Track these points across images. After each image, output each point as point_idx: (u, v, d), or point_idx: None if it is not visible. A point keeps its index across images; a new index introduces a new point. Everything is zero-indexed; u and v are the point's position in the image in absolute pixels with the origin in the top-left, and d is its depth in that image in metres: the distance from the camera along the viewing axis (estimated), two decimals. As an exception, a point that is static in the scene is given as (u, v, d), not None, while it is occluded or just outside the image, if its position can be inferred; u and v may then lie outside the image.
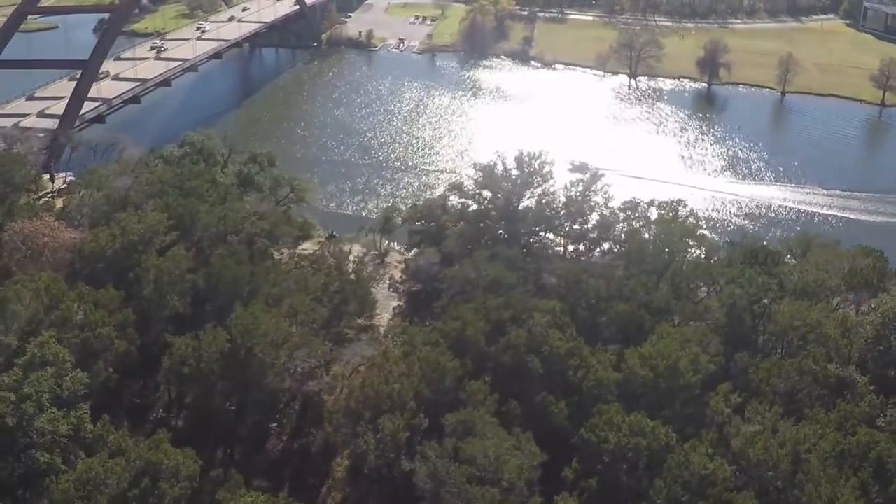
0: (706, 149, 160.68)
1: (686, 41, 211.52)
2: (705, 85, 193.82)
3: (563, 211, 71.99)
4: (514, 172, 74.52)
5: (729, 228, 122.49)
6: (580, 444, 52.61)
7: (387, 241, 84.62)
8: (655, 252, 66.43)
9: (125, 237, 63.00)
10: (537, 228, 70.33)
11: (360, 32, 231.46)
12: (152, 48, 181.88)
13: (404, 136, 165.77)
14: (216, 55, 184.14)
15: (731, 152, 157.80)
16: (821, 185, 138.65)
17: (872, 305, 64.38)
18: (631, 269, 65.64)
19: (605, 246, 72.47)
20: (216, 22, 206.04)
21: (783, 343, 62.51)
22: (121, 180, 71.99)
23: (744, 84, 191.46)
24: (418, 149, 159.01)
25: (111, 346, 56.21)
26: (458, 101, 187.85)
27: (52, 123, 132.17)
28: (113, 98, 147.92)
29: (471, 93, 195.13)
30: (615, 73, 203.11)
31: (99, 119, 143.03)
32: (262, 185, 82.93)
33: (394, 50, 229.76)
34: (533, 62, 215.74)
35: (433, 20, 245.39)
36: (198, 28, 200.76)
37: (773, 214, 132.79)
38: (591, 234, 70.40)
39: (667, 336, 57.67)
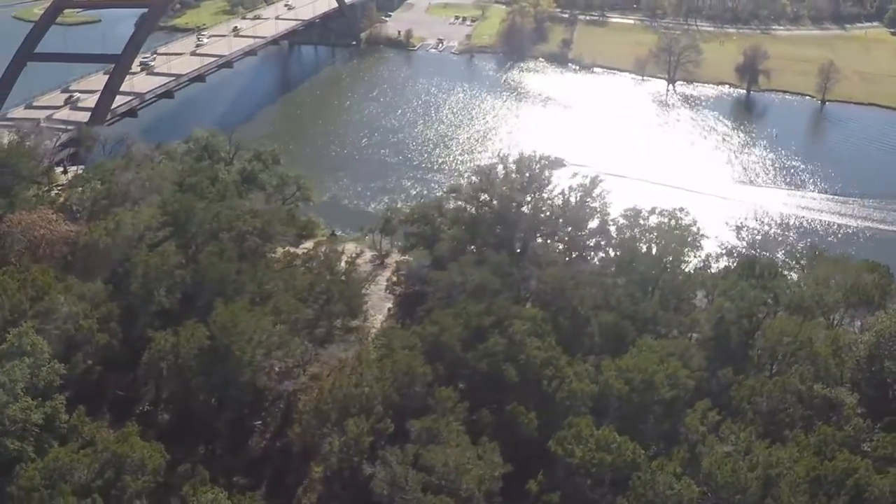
0: (740, 157, 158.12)
1: (726, 47, 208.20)
2: (744, 91, 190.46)
3: (558, 217, 71.06)
4: (514, 176, 73.88)
5: (757, 238, 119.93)
6: (548, 457, 51.90)
7: (390, 242, 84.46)
8: (647, 261, 65.13)
9: (118, 231, 63.87)
10: (531, 234, 69.41)
11: (399, 32, 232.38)
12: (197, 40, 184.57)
13: (438, 136, 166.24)
14: (251, 52, 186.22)
15: (765, 161, 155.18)
16: (859, 196, 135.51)
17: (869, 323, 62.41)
18: (620, 277, 64.46)
19: (601, 254, 71.27)
20: (254, 19, 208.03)
21: (773, 360, 60.82)
22: (124, 175, 73.06)
23: (783, 91, 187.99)
24: (451, 150, 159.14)
25: (92, 339, 57.00)
26: (494, 103, 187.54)
27: (84, 116, 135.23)
28: (146, 93, 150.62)
29: (507, 95, 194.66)
30: (653, 77, 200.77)
31: (131, 113, 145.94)
32: (264, 183, 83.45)
33: (432, 50, 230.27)
34: (571, 65, 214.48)
35: (473, 21, 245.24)
36: (235, 26, 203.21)
37: (807, 224, 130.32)
38: (589, 242, 69.17)
39: (647, 349, 56.53)
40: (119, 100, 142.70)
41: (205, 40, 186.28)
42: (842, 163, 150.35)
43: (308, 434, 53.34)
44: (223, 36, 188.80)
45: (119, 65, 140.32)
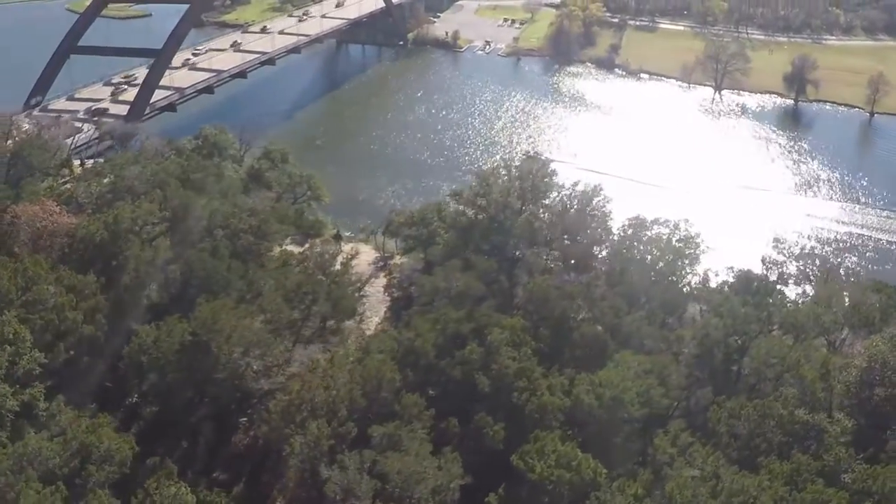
0: (782, 167, 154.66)
1: (775, 55, 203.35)
2: (791, 101, 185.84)
3: (554, 226, 70.22)
4: (515, 183, 73.31)
5: (794, 251, 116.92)
6: (513, 471, 51.24)
7: (395, 244, 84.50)
8: (637, 273, 63.89)
9: (116, 225, 65.13)
10: (524, 242, 68.67)
11: (446, 33, 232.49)
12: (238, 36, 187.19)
13: (479, 138, 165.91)
14: (295, 49, 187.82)
15: (809, 171, 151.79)
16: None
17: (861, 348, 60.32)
18: (609, 289, 63.40)
19: (596, 264, 70.10)
20: (300, 17, 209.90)
21: (759, 381, 59.13)
22: (131, 169, 74.51)
23: (831, 102, 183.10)
24: (491, 153, 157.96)
25: (76, 330, 58.20)
26: (537, 107, 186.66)
27: (124, 109, 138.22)
28: (186, 87, 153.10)
29: (551, 99, 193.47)
30: (700, 85, 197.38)
31: (170, 108, 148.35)
32: (270, 181, 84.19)
33: (479, 52, 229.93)
34: (618, 70, 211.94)
35: (522, 23, 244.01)
36: (303, 16, 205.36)
37: (847, 238, 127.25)
38: (583, 251, 68.12)
39: (623, 364, 55.48)
40: (159, 94, 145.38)
41: (248, 37, 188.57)
42: (889, 177, 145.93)
43: (274, 434, 53.75)
44: (267, 33, 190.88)
45: (159, 60, 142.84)
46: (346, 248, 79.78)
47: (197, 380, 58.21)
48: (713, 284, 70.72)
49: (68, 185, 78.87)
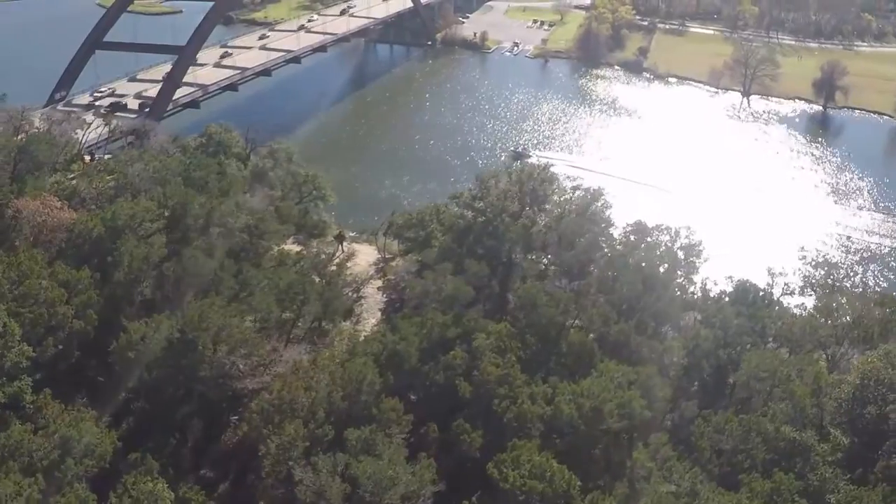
0: (807, 175, 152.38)
1: (805, 61, 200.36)
2: (820, 108, 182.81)
3: (550, 231, 69.64)
4: (514, 187, 72.86)
5: (819, 260, 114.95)
6: (489, 480, 50.81)
7: (398, 245, 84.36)
8: (629, 281, 63.05)
9: (113, 221, 65.83)
10: (517, 247, 68.16)
11: (474, 33, 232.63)
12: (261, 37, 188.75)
13: (505, 140, 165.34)
14: (321, 48, 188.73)
15: (837, 180, 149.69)
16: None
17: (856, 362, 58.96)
18: (601, 296, 62.69)
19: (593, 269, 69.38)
20: (328, 15, 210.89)
21: (748, 396, 58.09)
22: (136, 166, 75.28)
23: (861, 109, 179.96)
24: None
25: (66, 324, 58.88)
26: (564, 109, 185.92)
27: (146, 105, 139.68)
28: (210, 84, 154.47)
29: (578, 101, 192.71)
30: (728, 90, 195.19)
31: (193, 104, 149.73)
32: (273, 180, 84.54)
33: (507, 53, 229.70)
34: (645, 73, 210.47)
35: (551, 25, 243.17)
36: (310, 20, 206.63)
37: (871, 248, 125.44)
38: (578, 258, 67.45)
39: (606, 374, 54.77)
40: (183, 90, 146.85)
41: (274, 35, 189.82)
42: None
43: (254, 433, 53.92)
44: (293, 31, 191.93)
45: (182, 56, 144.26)
46: (351, 248, 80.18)
47: (183, 377, 58.47)
48: (714, 294, 70.01)
49: (74, 181, 79.66)
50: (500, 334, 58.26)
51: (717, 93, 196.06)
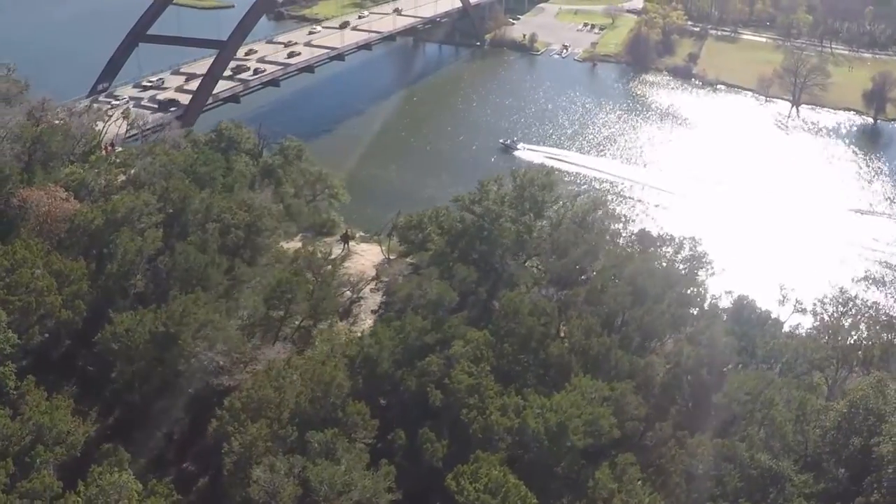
0: (856, 187, 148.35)
1: (857, 72, 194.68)
2: (871, 120, 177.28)
3: (545, 239, 68.61)
4: (513, 192, 72.04)
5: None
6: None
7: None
8: (617, 293, 61.63)
9: (112, 214, 66.97)
10: (509, 253, 67.21)
11: (524, 35, 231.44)
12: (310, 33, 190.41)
13: (548, 143, 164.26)
14: (365, 46, 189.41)
15: (884, 193, 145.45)
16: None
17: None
18: (586, 308, 61.45)
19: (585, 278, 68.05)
20: (376, 13, 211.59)
21: (730, 419, 56.26)
22: (145, 160, 76.48)
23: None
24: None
25: (54, 314, 60.03)
26: (610, 114, 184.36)
27: (187, 99, 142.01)
28: (251, 79, 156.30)
29: (624, 107, 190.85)
30: (777, 98, 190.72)
31: (233, 99, 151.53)
32: (282, 177, 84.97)
33: (555, 55, 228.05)
34: (694, 80, 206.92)
35: (601, 29, 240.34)
36: (361, 16, 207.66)
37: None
38: (570, 266, 66.24)
39: (579, 389, 53.66)
40: (223, 85, 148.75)
41: (320, 31, 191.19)
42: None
43: (221, 430, 54.23)
44: (339, 28, 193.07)
45: (224, 50, 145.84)
46: (349, 248, 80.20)
47: (164, 371, 59.14)
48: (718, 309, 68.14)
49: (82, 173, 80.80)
50: (477, 342, 57.60)
51: (765, 101, 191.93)
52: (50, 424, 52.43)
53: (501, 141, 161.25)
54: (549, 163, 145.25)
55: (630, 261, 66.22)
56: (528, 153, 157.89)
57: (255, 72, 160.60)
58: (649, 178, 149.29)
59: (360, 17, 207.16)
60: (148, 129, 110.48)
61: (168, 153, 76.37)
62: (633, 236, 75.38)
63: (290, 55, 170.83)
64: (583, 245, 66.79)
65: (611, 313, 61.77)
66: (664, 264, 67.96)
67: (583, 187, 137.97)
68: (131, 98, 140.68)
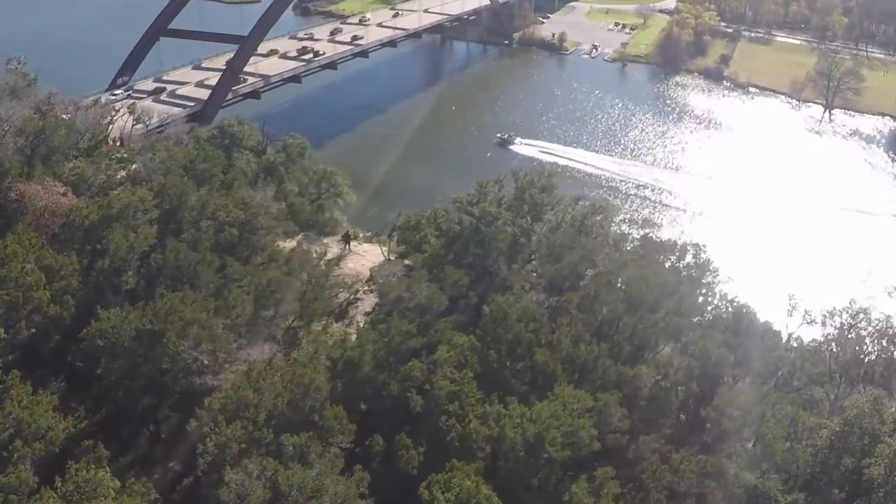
0: (884, 197, 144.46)
1: (892, 76, 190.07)
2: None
3: (538, 242, 67.31)
4: (510, 194, 70.84)
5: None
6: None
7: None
8: (610, 300, 60.14)
9: (107, 209, 66.90)
10: (502, 257, 65.91)
11: (553, 34, 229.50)
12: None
13: (577, 145, 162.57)
14: (390, 43, 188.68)
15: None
16: None
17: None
18: (577, 315, 60.04)
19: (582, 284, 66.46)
20: (403, 9, 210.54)
21: (718, 434, 54.54)
22: (145, 156, 76.47)
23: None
24: (584, 163, 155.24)
25: (41, 309, 60.03)
26: (638, 116, 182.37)
27: (206, 94, 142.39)
28: (272, 75, 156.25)
29: (653, 108, 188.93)
30: (810, 102, 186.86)
31: (254, 95, 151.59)
32: (283, 175, 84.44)
33: (584, 55, 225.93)
34: (725, 82, 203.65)
35: (632, 29, 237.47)
36: (397, 14, 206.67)
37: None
38: (564, 272, 64.85)
39: (561, 398, 52.35)
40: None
41: (345, 28, 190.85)
42: None
43: (198, 431, 53.81)
44: (364, 25, 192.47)
45: (244, 46, 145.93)
46: (347, 248, 79.55)
47: (149, 369, 58.85)
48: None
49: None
50: (462, 347, 56.54)
51: (797, 105, 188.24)
52: (30, 419, 52.32)
53: (499, 135, 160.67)
54: (546, 158, 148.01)
55: (626, 267, 64.57)
56: (524, 147, 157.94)
57: (316, 54, 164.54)
58: (666, 180, 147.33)
59: (395, 15, 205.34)
60: (167, 123, 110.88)
61: (169, 149, 76.18)
62: (636, 242, 73.69)
63: (304, 50, 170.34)
64: (579, 250, 65.24)
65: (603, 321, 60.29)
66: (663, 271, 66.05)
67: (588, 188, 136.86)
68: (153, 91, 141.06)
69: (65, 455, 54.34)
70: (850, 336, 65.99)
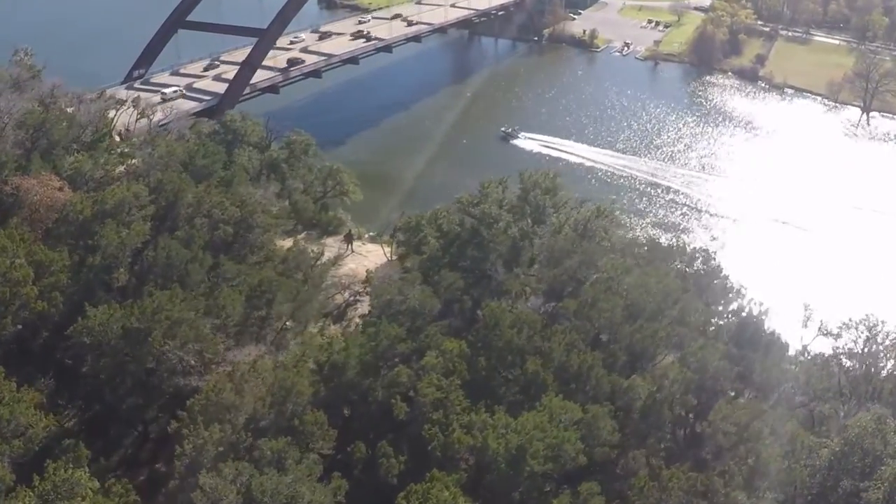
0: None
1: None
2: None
3: (540, 246, 65.33)
4: (511, 196, 68.97)
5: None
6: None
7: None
8: (606, 309, 58.02)
9: (101, 205, 66.25)
10: (499, 260, 64.01)
11: (584, 31, 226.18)
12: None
13: (602, 146, 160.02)
14: (415, 38, 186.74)
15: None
16: None
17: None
18: (573, 322, 58.07)
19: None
20: (430, 4, 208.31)
21: (713, 451, 52.26)
22: (145, 150, 75.82)
23: None
24: (610, 166, 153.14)
25: (28, 305, 59.40)
26: (667, 116, 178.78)
27: (223, 88, 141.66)
28: (291, 69, 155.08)
29: (683, 109, 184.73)
30: (847, 104, 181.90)
31: (272, 89, 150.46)
32: (286, 172, 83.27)
33: (616, 53, 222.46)
34: (760, 82, 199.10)
35: (666, 26, 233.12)
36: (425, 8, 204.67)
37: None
38: (562, 277, 62.82)
39: (548, 409, 50.46)
40: (263, 75, 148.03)
41: (369, 21, 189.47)
42: None
43: (177, 432, 52.82)
44: (389, 19, 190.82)
45: (263, 39, 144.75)
46: (344, 248, 78.28)
47: (135, 369, 58.01)
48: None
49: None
50: (451, 353, 54.88)
51: (834, 107, 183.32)
52: (10, 417, 51.69)
53: (503, 129, 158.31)
54: (550, 152, 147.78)
55: (629, 273, 62.36)
56: (528, 142, 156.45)
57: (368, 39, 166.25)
58: (693, 183, 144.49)
59: (422, 6, 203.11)
60: (180, 118, 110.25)
61: (169, 144, 75.43)
62: (644, 247, 71.47)
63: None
64: (580, 254, 63.19)
65: (600, 329, 58.26)
66: (667, 278, 63.77)
67: (610, 189, 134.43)
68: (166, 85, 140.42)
69: (46, 454, 54.10)
70: (863, 350, 63.28)
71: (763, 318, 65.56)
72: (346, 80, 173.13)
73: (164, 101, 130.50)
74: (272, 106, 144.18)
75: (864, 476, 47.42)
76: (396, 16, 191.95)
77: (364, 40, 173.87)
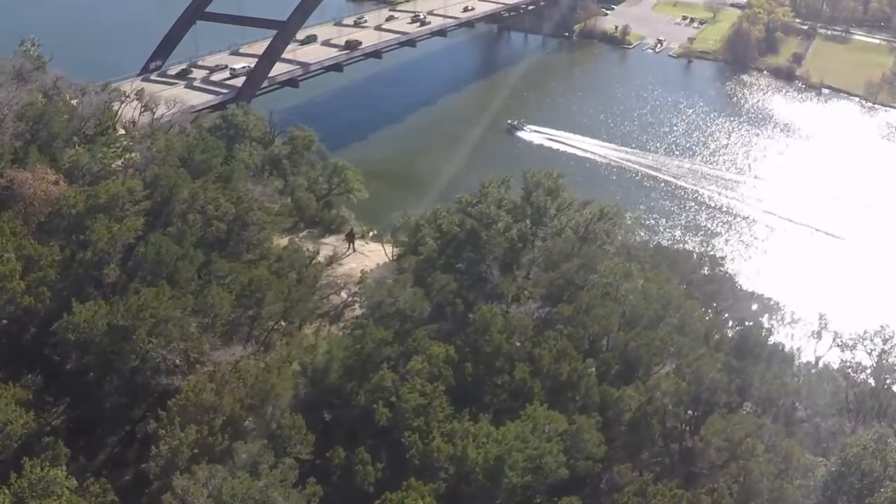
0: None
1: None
2: None
3: (540, 249, 63.32)
4: (512, 197, 67.02)
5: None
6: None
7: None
8: (603, 315, 55.89)
9: (95, 199, 65.54)
10: (496, 263, 62.08)
11: (616, 27, 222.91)
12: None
13: (631, 146, 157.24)
14: (440, 32, 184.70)
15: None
16: None
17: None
18: (565, 328, 56.03)
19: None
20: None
21: (708, 466, 49.99)
22: (143, 144, 75.04)
23: None
24: (636, 167, 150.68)
25: (14, 300, 58.80)
26: (698, 117, 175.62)
27: (241, 81, 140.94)
28: (311, 63, 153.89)
29: (716, 109, 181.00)
30: (885, 106, 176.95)
31: (291, 83, 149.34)
32: (287, 167, 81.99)
33: (648, 50, 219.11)
34: (796, 82, 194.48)
35: (701, 23, 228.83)
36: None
37: None
38: (557, 282, 60.74)
39: (529, 419, 48.61)
40: (282, 68, 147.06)
41: (396, 16, 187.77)
42: None
43: (153, 433, 51.85)
44: (416, 12, 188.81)
45: (282, 32, 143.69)
46: (342, 247, 76.85)
47: (120, 367, 57.17)
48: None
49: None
50: (437, 358, 53.21)
51: (872, 108, 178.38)
52: (-10, 417, 51.20)
53: (509, 122, 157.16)
54: (556, 146, 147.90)
55: (629, 278, 60.13)
56: (534, 135, 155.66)
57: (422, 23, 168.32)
58: (721, 186, 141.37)
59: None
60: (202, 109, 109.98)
61: (168, 138, 74.57)
62: (651, 250, 69.15)
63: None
64: (579, 258, 61.09)
65: (594, 336, 56.17)
66: (669, 285, 61.44)
67: (638, 190, 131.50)
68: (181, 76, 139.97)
69: (27, 451, 53.45)
70: (875, 363, 60.44)
71: (771, 327, 63.37)
72: (370, 75, 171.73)
73: (233, 76, 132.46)
74: (291, 101, 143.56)
75: (861, 498, 44.99)
76: (416, 18, 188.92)
77: (419, 24, 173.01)
